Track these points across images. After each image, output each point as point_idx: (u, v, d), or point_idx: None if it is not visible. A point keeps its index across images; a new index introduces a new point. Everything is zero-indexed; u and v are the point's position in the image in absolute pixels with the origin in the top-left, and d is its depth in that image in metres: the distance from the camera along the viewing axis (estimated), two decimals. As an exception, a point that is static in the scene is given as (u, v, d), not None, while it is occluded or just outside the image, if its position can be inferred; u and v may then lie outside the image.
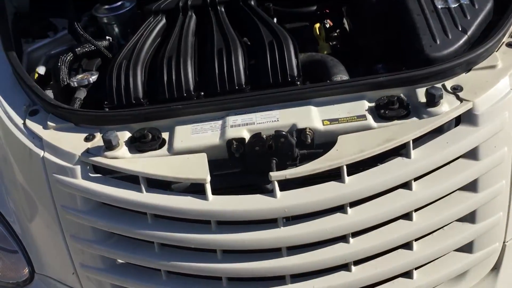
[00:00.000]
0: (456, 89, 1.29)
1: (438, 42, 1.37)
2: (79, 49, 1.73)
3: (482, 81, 1.31)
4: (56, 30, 1.98)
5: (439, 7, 1.45)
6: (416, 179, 1.25)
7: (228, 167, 1.34)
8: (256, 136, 1.26)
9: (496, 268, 1.34)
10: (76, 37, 1.82)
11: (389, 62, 1.54)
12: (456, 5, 1.45)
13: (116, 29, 1.88)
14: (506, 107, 1.29)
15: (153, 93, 1.52)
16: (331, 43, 1.73)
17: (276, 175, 1.23)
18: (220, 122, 1.35)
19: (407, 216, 1.26)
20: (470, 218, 1.30)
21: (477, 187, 1.28)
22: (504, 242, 1.34)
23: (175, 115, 1.37)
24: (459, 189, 1.28)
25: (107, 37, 1.82)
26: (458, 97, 1.28)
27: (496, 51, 1.37)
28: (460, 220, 1.30)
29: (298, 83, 1.45)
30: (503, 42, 1.39)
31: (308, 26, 1.76)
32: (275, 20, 1.75)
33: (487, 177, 1.28)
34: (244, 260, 1.27)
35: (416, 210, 1.27)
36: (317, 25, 1.66)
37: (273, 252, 1.27)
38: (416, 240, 1.28)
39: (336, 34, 1.76)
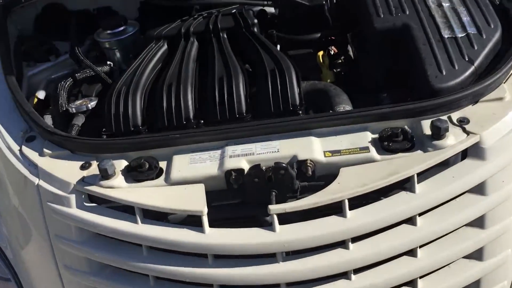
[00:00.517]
0: (462, 122, 1.26)
1: (444, 73, 1.34)
2: (79, 74, 1.71)
3: (489, 113, 1.27)
4: (58, 54, 1.97)
5: (446, 36, 1.42)
6: (420, 214, 1.21)
7: (227, 198, 1.30)
8: (255, 168, 1.23)
9: (505, 308, 1.29)
10: (78, 61, 1.79)
11: (394, 91, 1.51)
12: (463, 35, 1.42)
13: (118, 54, 1.86)
14: (514, 141, 1.25)
15: (152, 120, 1.49)
16: (335, 70, 1.70)
17: (275, 208, 1.19)
18: (219, 152, 1.31)
19: (411, 253, 1.21)
20: (477, 255, 1.25)
21: (484, 223, 1.23)
22: (512, 281, 1.28)
23: (173, 144, 1.34)
24: (465, 225, 1.23)
25: (108, 62, 1.80)
26: (464, 130, 1.24)
27: (504, 83, 1.34)
28: (467, 257, 1.25)
29: (300, 112, 1.42)
30: (511, 74, 1.36)
31: (312, 53, 1.73)
32: (278, 47, 1.73)
33: (494, 213, 1.23)
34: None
35: (421, 246, 1.22)
36: (321, 53, 1.64)
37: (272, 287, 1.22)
38: (421, 277, 1.23)
39: (340, 60, 1.73)
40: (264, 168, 1.22)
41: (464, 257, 1.26)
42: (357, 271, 1.21)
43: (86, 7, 2.11)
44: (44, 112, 1.72)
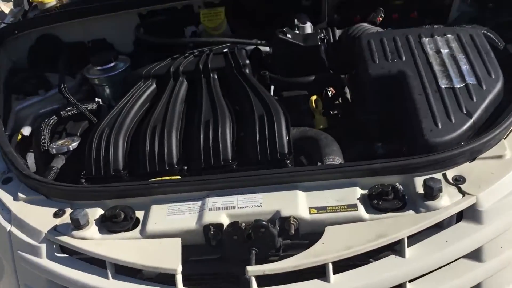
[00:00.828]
0: (458, 181, 1.17)
1: (439, 127, 1.26)
2: (64, 112, 1.66)
3: (487, 172, 1.18)
4: (48, 88, 1.92)
5: (443, 86, 1.34)
6: (411, 280, 1.12)
7: (206, 253, 1.22)
8: (234, 225, 1.15)
9: None
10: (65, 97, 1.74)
11: (389, 142, 1.43)
12: (461, 85, 1.34)
13: (108, 91, 1.81)
14: (513, 203, 1.16)
15: (134, 164, 1.43)
16: (332, 112, 1.62)
17: (253, 270, 1.11)
18: (199, 203, 1.24)
19: (402, 325, 1.12)
20: (472, 326, 1.16)
21: (480, 292, 1.14)
22: None
23: (151, 193, 1.27)
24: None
25: (97, 99, 1.75)
26: (460, 190, 1.16)
27: (505, 139, 1.25)
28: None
29: (288, 161, 1.35)
30: (512, 130, 1.28)
31: (306, 95, 1.66)
32: (272, 87, 1.67)
33: (491, 281, 1.14)
34: None
35: (411, 316, 1.13)
36: (313, 98, 1.56)
37: None
38: None
39: (337, 102, 1.66)
40: (243, 225, 1.15)
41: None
42: None
43: (81, 39, 2.07)
44: (29, 149, 1.67)
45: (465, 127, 1.26)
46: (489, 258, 1.13)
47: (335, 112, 1.63)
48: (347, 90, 1.71)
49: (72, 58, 1.98)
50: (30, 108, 1.84)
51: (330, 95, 1.70)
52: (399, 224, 1.12)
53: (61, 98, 1.81)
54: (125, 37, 2.01)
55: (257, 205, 1.20)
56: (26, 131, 1.72)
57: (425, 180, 1.14)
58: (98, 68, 1.79)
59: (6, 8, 2.26)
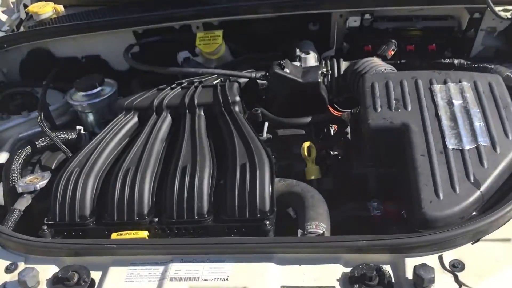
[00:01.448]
0: (455, 267, 1.00)
1: (441, 198, 1.08)
2: (39, 142, 1.54)
3: (491, 259, 1.01)
4: (33, 108, 1.80)
5: (450, 147, 1.16)
6: None
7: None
8: (190, 307, 1.01)
9: None
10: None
11: (386, 201, 1.26)
12: (472, 147, 1.16)
13: (91, 118, 1.68)
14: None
15: (103, 210, 1.30)
16: (332, 152, 1.46)
17: None
18: (161, 269, 1.10)
19: None
20: None
21: None
22: None
23: (109, 254, 1.13)
24: None
25: (78, 127, 1.62)
26: (456, 279, 0.99)
27: (515, 217, 1.07)
28: None
29: (268, 222, 1.19)
30: (527, 199, 1.09)
31: (303, 135, 1.50)
32: (266, 124, 1.51)
33: None
34: None
35: None
36: (306, 144, 1.40)
37: None
38: None
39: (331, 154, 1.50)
40: (202, 307, 1.00)
41: None
42: None
43: (74, 54, 1.96)
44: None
45: (471, 199, 1.09)
46: None
47: (335, 153, 1.46)
48: (348, 130, 1.54)
49: (65, 74, 1.87)
50: (11, 130, 1.73)
51: (333, 132, 1.55)
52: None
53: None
54: (120, 55, 1.87)
55: (223, 279, 1.06)
56: (3, 157, 1.60)
57: (415, 268, 0.98)
58: (82, 93, 1.66)
59: (3, 15, 2.16)
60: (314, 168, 1.38)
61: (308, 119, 1.48)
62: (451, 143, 1.17)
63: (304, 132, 1.51)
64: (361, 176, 1.32)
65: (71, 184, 1.31)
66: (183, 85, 1.56)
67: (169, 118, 1.48)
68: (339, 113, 1.55)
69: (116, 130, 1.46)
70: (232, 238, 1.14)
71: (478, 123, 1.20)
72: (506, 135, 1.18)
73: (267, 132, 1.52)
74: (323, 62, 1.62)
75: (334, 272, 1.04)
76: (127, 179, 1.29)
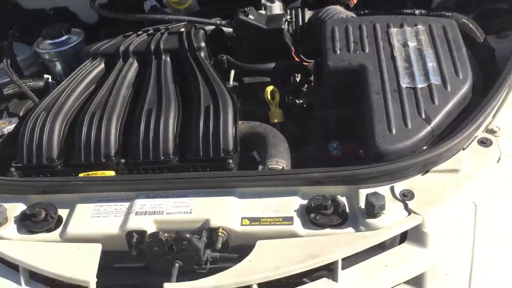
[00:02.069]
0: (405, 196, 1.06)
1: (393, 132, 1.14)
2: (6, 89, 1.55)
3: (439, 188, 1.07)
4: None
5: (404, 86, 1.21)
6: (344, 305, 1.02)
7: (131, 261, 1.13)
8: (154, 237, 1.05)
9: None
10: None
11: (345, 141, 1.31)
12: (424, 85, 1.21)
13: (59, 66, 1.69)
14: (464, 226, 1.05)
15: (70, 153, 1.33)
16: (298, 101, 1.50)
17: (169, 286, 1.01)
18: (126, 205, 1.15)
19: None
20: None
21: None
22: None
23: (76, 191, 1.17)
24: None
25: (45, 76, 1.63)
26: (406, 207, 1.05)
27: (464, 150, 1.13)
28: None
29: (231, 160, 1.24)
30: (475, 138, 1.15)
31: (268, 82, 1.53)
32: (232, 72, 1.54)
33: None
34: None
35: None
36: (269, 88, 1.43)
37: None
38: None
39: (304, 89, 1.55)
40: (165, 237, 1.05)
41: None
42: None
43: (41, 6, 1.95)
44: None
45: (422, 134, 1.14)
46: (431, 285, 1.03)
47: (300, 102, 1.50)
48: (312, 79, 1.58)
49: (32, 27, 1.86)
50: (-21, 80, 1.73)
51: (298, 80, 1.58)
52: (335, 243, 1.02)
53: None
54: (89, 7, 1.87)
55: (187, 212, 1.10)
56: (-30, 107, 1.61)
57: (367, 196, 1.03)
58: (49, 42, 1.67)
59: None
60: (278, 111, 1.42)
61: (272, 65, 1.51)
62: (404, 82, 1.22)
63: (269, 80, 1.55)
64: (322, 118, 1.37)
65: (38, 126, 1.33)
66: (149, 32, 1.57)
67: (135, 64, 1.50)
68: (304, 62, 1.58)
69: (82, 75, 1.47)
70: (195, 173, 1.19)
71: (431, 64, 1.25)
72: (457, 74, 1.22)
73: (233, 80, 1.55)
74: (288, 11, 1.65)
75: (292, 203, 1.09)
76: (93, 122, 1.32)
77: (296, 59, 1.56)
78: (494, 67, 1.39)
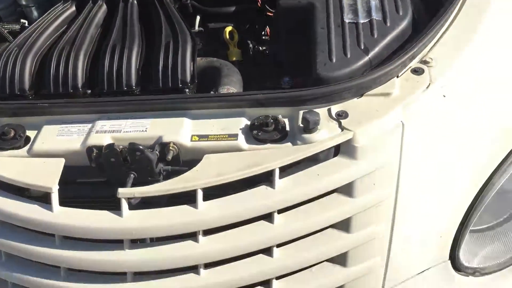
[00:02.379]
0: (340, 116, 1.16)
1: (333, 61, 1.24)
2: None
3: (372, 109, 1.17)
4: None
5: (347, 21, 1.31)
6: (281, 211, 1.13)
7: (93, 176, 1.23)
8: (110, 148, 1.15)
9: (370, 317, 1.21)
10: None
11: (296, 76, 1.41)
12: (365, 21, 1.31)
13: (35, 13, 1.77)
14: (392, 142, 1.15)
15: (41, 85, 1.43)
16: (260, 48, 1.60)
17: (123, 192, 1.12)
18: (89, 126, 1.24)
19: (267, 252, 1.14)
20: (340, 260, 1.17)
21: (350, 227, 1.15)
22: (382, 290, 1.21)
23: (42, 113, 1.27)
24: (330, 227, 1.15)
25: (22, 21, 1.72)
26: (340, 125, 1.15)
27: (397, 77, 1.23)
28: (330, 261, 1.18)
29: (187, 90, 1.34)
30: (409, 68, 1.25)
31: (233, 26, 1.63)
32: (198, 18, 1.63)
33: (361, 217, 1.15)
34: (89, 280, 1.17)
35: (279, 246, 1.14)
36: (228, 29, 1.53)
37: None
38: (277, 278, 1.16)
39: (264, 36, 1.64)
40: (119, 148, 1.15)
41: (327, 261, 1.18)
42: (208, 266, 1.14)
43: None
44: None
45: (360, 63, 1.24)
46: (360, 194, 1.14)
47: (264, 48, 1.60)
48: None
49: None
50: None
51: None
52: (273, 155, 1.12)
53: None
54: None
55: (142, 130, 1.21)
56: None
57: (303, 113, 1.13)
58: (25, -13, 1.75)
59: None
60: (236, 50, 1.53)
61: (233, 8, 1.60)
62: (348, 18, 1.31)
63: (232, 25, 1.64)
64: (276, 56, 1.47)
65: (10, 60, 1.42)
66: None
67: (104, 6, 1.59)
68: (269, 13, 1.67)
69: (54, 17, 1.56)
70: (151, 96, 1.28)
71: (374, 2, 1.34)
72: (397, 11, 1.32)
73: (199, 26, 1.65)
74: None
75: (238, 123, 1.19)
76: (62, 56, 1.41)
77: (259, 4, 1.65)
78: (439, 4, 1.46)
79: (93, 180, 1.25)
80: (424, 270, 1.21)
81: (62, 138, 1.23)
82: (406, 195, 1.17)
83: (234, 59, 1.52)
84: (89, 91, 1.39)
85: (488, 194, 1.23)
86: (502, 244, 1.26)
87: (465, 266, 1.23)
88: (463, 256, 1.23)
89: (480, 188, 1.24)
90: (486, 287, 1.22)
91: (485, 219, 1.30)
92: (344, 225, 1.15)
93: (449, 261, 1.23)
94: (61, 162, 1.19)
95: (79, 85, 1.39)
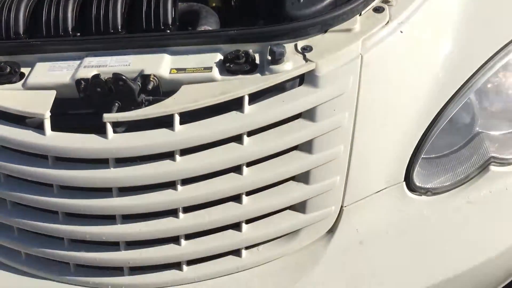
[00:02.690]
0: (305, 49, 1.28)
1: (301, 1, 1.35)
2: None
3: (334, 43, 1.29)
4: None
5: (314, -36, 1.42)
6: (250, 134, 1.26)
7: (82, 108, 1.36)
8: (96, 77, 1.28)
9: (331, 231, 1.35)
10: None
11: (270, 19, 1.52)
12: (331, -36, 1.41)
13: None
14: (351, 72, 1.27)
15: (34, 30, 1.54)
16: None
17: (108, 116, 1.25)
18: (78, 62, 1.36)
19: (238, 170, 1.27)
20: (304, 178, 1.30)
21: (312, 148, 1.28)
22: (341, 207, 1.34)
23: (35, 51, 1.39)
24: (294, 149, 1.28)
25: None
26: (304, 57, 1.27)
27: (360, 15, 1.35)
28: (295, 180, 1.31)
29: (168, 31, 1.45)
30: (371, 7, 1.36)
31: None
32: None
33: (323, 139, 1.27)
34: (80, 197, 1.30)
35: (249, 165, 1.27)
36: (208, -25, 1.64)
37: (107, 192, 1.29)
38: (247, 194, 1.29)
39: None
40: (104, 78, 1.27)
41: (292, 180, 1.31)
42: (185, 182, 1.27)
43: None
44: None
45: (325, 2, 1.35)
46: (322, 119, 1.26)
47: None
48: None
49: None
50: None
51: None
52: (243, 84, 1.25)
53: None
54: None
55: (126, 65, 1.33)
56: None
57: (270, 46, 1.26)
58: None
59: None
60: (216, -4, 1.64)
61: None
62: (315, -38, 1.42)
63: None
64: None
65: (6, 7, 1.53)
66: None
67: None
68: None
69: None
70: (135, 34, 1.40)
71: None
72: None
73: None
74: None
75: (213, 58, 1.31)
76: (53, 2, 1.53)
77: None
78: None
79: (82, 111, 1.37)
80: (381, 190, 1.34)
81: (54, 73, 1.36)
82: (364, 120, 1.29)
83: (213, 4, 1.63)
84: (78, 34, 1.51)
85: (440, 122, 1.36)
86: (451, 169, 1.39)
87: (419, 187, 1.36)
88: (417, 178, 1.36)
89: (434, 117, 1.36)
90: (436, 204, 1.35)
91: (440, 149, 1.43)
92: (307, 147, 1.28)
93: (404, 183, 1.36)
94: (52, 93, 1.31)
95: (69, 28, 1.50)
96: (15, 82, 1.36)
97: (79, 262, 1.35)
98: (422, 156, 1.38)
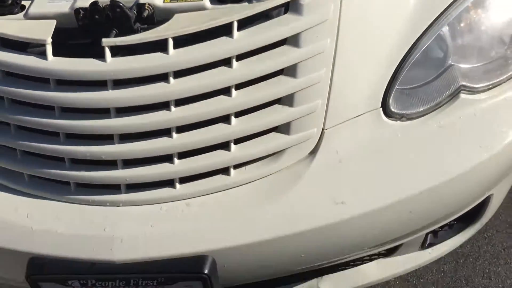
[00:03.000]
0: None
1: None
2: None
3: None
4: None
5: None
6: (239, 60, 1.36)
7: (82, 37, 1.45)
8: (94, 4, 1.37)
9: (313, 152, 1.46)
10: None
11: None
12: None
13: None
14: (332, 0, 1.37)
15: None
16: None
17: (107, 41, 1.34)
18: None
19: (228, 93, 1.37)
20: (288, 101, 1.41)
21: (296, 72, 1.38)
22: (323, 130, 1.44)
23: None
24: (280, 73, 1.38)
25: None
26: None
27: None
28: (280, 103, 1.41)
29: None
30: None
31: None
32: None
33: (306, 64, 1.38)
34: (80, 118, 1.40)
35: (237, 88, 1.37)
36: None
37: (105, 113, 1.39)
38: (236, 116, 1.40)
39: None
40: (102, 5, 1.36)
41: (278, 103, 1.41)
42: (178, 104, 1.37)
43: None
44: None
45: None
46: (305, 45, 1.36)
47: None
48: None
49: None
50: None
51: None
52: (232, 11, 1.35)
53: None
54: None
55: None
56: None
57: None
58: None
59: None
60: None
61: None
62: None
63: None
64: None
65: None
66: None
67: None
68: None
69: None
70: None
71: None
72: None
73: None
74: None
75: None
76: None
77: None
78: None
79: (81, 41, 1.46)
80: (360, 115, 1.45)
81: (53, 4, 1.44)
82: (344, 46, 1.40)
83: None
84: None
85: (415, 53, 1.47)
86: (425, 97, 1.50)
87: (394, 112, 1.46)
88: (393, 105, 1.47)
89: (409, 48, 1.47)
90: (410, 128, 1.46)
91: (415, 81, 1.53)
92: (292, 71, 1.38)
93: (381, 109, 1.46)
94: (53, 22, 1.40)
95: None
96: (16, 13, 1.45)
97: (79, 181, 1.44)
98: (398, 86, 1.49)
